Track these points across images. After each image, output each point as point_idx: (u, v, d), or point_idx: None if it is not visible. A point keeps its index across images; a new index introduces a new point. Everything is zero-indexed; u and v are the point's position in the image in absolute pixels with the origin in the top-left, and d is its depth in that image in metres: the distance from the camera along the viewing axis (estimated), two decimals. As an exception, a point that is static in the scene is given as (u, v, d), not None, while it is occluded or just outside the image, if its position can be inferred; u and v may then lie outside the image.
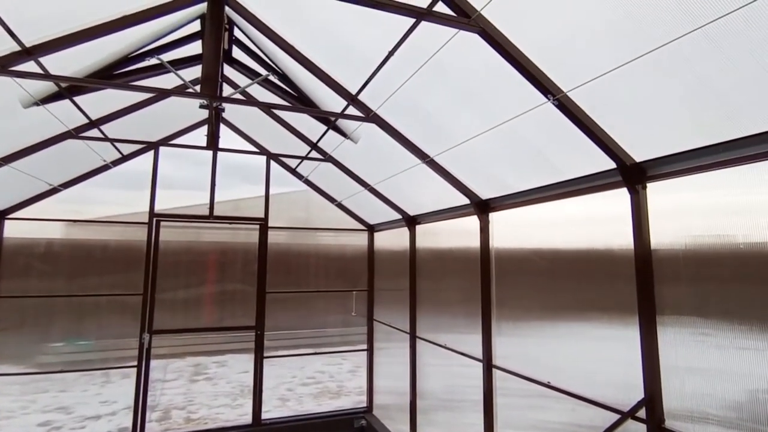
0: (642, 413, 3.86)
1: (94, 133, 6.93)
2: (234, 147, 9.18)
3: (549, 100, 3.78)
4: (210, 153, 8.98)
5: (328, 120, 6.63)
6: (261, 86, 6.45)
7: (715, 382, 3.35)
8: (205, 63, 4.81)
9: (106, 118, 6.88)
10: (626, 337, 4.04)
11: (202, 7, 5.27)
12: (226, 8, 5.24)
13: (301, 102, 6.51)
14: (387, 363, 9.62)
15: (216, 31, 4.79)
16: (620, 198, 4.13)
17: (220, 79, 5.53)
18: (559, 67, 3.56)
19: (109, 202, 8.57)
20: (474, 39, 3.60)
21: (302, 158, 8.30)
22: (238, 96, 6.64)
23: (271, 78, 6.27)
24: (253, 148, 9.53)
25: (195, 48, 6.18)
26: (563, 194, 4.87)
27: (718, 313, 3.37)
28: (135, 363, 8.25)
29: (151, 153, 8.73)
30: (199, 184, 8.93)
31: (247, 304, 9.20)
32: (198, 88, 4.95)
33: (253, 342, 9.15)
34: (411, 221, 8.41)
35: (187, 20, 5.56)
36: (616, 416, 4.06)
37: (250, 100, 7.43)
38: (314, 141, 7.58)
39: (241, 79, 7.24)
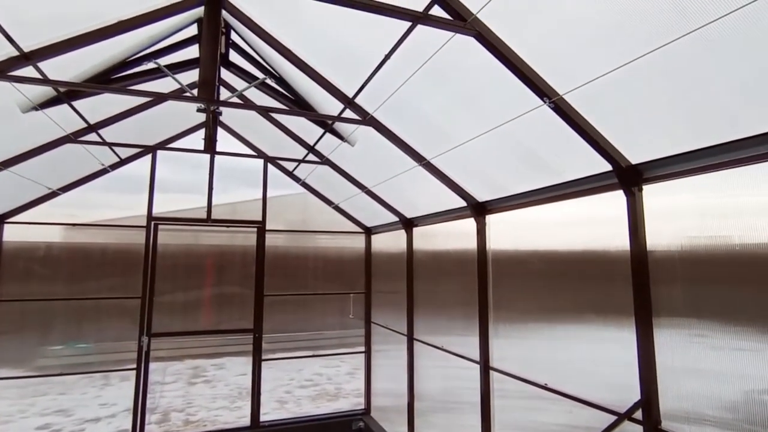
0: (638, 415, 3.87)
1: (92, 137, 6.93)
2: (231, 150, 9.21)
3: (545, 102, 3.79)
4: (207, 156, 8.99)
5: (325, 123, 6.64)
6: (258, 90, 6.47)
7: (711, 383, 3.36)
8: (202, 67, 4.82)
9: (104, 122, 6.88)
10: (623, 339, 4.05)
11: (199, 11, 5.28)
12: (223, 12, 5.24)
13: (298, 105, 6.52)
14: (385, 365, 9.63)
15: (213, 34, 4.80)
16: (616, 200, 4.13)
17: (217, 83, 5.55)
18: (554, 70, 3.58)
19: (108, 206, 8.57)
20: (470, 42, 3.61)
21: (299, 161, 8.31)
22: (236, 99, 6.65)
23: (268, 81, 6.28)
24: (251, 152, 9.54)
25: (192, 52, 6.19)
26: (559, 196, 4.88)
27: (714, 314, 3.38)
28: (134, 366, 8.24)
29: (149, 157, 8.73)
30: (196, 188, 8.94)
31: (245, 307, 9.21)
32: (195, 91, 4.98)
33: (251, 345, 9.15)
34: (408, 224, 8.42)
35: (184, 24, 5.57)
36: (613, 418, 4.07)
37: (247, 104, 7.43)
38: (311, 144, 7.59)
39: (238, 83, 7.25)
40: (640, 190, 3.95)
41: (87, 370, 8.51)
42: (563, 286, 4.99)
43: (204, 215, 8.94)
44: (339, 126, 6.61)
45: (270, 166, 9.60)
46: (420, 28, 3.75)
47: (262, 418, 9.09)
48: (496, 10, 3.31)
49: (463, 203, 6.30)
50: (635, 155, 3.86)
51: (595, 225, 4.54)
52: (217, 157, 9.05)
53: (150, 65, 5.75)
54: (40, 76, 4.68)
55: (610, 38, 3.02)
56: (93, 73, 5.47)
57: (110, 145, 7.09)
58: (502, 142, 4.73)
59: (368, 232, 10.51)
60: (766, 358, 3.03)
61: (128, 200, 8.66)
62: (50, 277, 8.18)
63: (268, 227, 9.45)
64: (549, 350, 5.08)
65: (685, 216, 3.62)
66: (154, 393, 9.83)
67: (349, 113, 5.86)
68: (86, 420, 9.48)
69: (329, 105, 6.08)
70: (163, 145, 8.81)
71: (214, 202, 8.98)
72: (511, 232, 5.78)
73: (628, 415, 3.94)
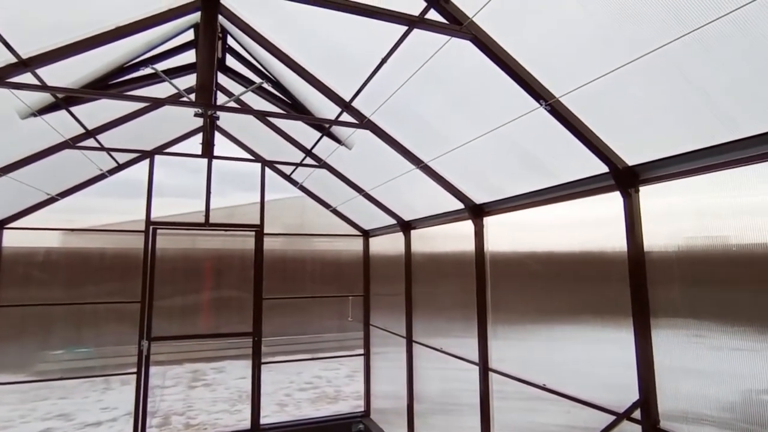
0: (637, 414, 3.88)
1: (90, 142, 6.95)
2: (229, 154, 9.21)
3: (541, 105, 3.81)
4: (205, 161, 8.99)
5: (323, 127, 6.65)
6: (255, 94, 6.48)
7: (709, 383, 3.37)
8: (199, 71, 4.82)
9: (102, 127, 6.89)
10: (621, 339, 4.06)
11: (195, 17, 5.29)
12: (220, 17, 5.24)
13: (295, 109, 6.53)
14: (384, 367, 9.64)
15: (209, 39, 4.80)
16: (613, 201, 4.15)
17: (214, 88, 5.55)
18: (551, 72, 3.59)
19: (106, 211, 8.58)
20: (466, 46, 3.63)
21: (297, 165, 8.33)
22: (233, 104, 6.67)
23: (265, 86, 6.29)
24: (248, 156, 9.54)
25: (189, 57, 6.20)
26: (557, 198, 4.90)
27: (712, 314, 3.39)
28: (134, 370, 8.25)
29: (147, 161, 8.73)
30: (194, 192, 8.94)
31: (244, 310, 9.21)
32: (192, 96, 4.98)
33: (250, 348, 9.15)
34: (406, 226, 8.43)
35: (180, 30, 5.58)
36: (612, 417, 4.08)
37: (244, 108, 7.45)
38: (309, 148, 7.60)
39: (235, 87, 7.25)
40: (637, 191, 3.97)
41: (87, 375, 8.53)
42: (561, 287, 5.00)
43: (202, 219, 8.94)
44: (336, 129, 6.62)
45: (267, 170, 9.60)
46: (416, 32, 3.77)
47: (262, 421, 9.09)
48: (491, 14, 3.33)
49: (460, 205, 6.32)
50: (631, 157, 3.87)
51: (593, 226, 4.56)
52: (214, 161, 9.06)
53: (147, 71, 5.76)
54: (38, 83, 4.70)
55: (606, 41, 3.04)
56: (91, 79, 5.48)
57: (108, 150, 7.10)
58: (499, 145, 4.75)
59: (366, 234, 10.51)
60: (764, 357, 3.04)
61: (126, 205, 8.67)
62: (50, 282, 8.19)
63: (266, 231, 9.45)
64: (547, 351, 5.09)
65: (682, 217, 3.64)
66: (154, 397, 9.84)
67: (346, 117, 5.88)
68: (88, 424, 9.47)
69: (326, 109, 6.09)
70: (160, 149, 8.82)
71: (212, 206, 8.98)
72: (509, 234, 5.80)
73: (626, 415, 3.96)
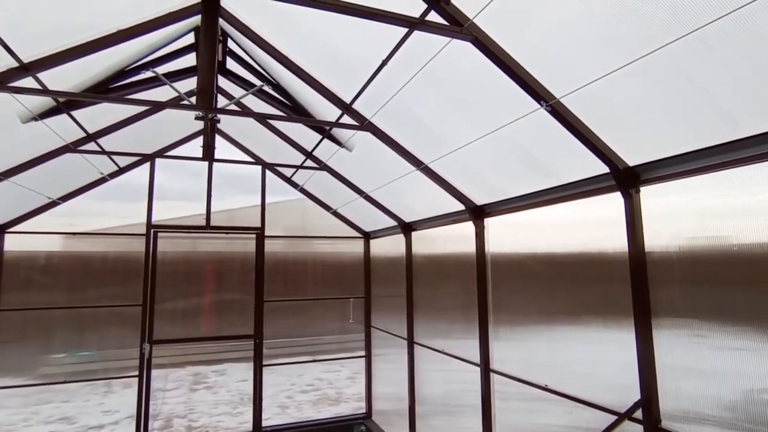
0: (639, 414, 3.88)
1: (91, 146, 6.96)
2: (230, 157, 9.23)
3: (542, 106, 3.81)
4: (206, 164, 9.00)
5: (323, 129, 6.65)
6: (256, 97, 6.49)
7: (711, 382, 3.37)
8: (199, 75, 4.82)
9: (102, 131, 6.91)
10: (622, 339, 4.06)
11: (195, 20, 5.30)
12: (220, 20, 5.26)
13: (296, 112, 6.54)
14: (385, 369, 9.64)
15: (210, 43, 4.80)
16: (614, 202, 4.15)
17: (214, 91, 5.55)
18: (551, 73, 3.60)
19: (107, 215, 8.59)
20: (467, 47, 3.63)
21: (298, 167, 8.34)
22: (233, 107, 6.68)
23: (266, 88, 6.30)
24: (249, 158, 9.55)
25: (189, 60, 6.21)
26: (557, 199, 4.90)
27: (713, 314, 3.39)
28: (136, 373, 8.25)
29: (148, 165, 8.73)
30: (195, 195, 8.95)
31: (245, 313, 9.21)
32: (193, 99, 4.98)
33: (251, 350, 9.14)
34: (407, 228, 8.44)
35: (181, 33, 5.59)
36: (613, 417, 4.08)
37: (245, 111, 7.46)
38: (309, 150, 7.61)
39: (235, 90, 7.26)
40: (638, 191, 3.97)
41: (89, 378, 8.53)
42: (562, 288, 5.00)
43: (203, 222, 8.94)
44: (337, 131, 6.63)
45: (268, 173, 9.61)
46: (417, 34, 3.77)
47: (264, 423, 9.10)
48: (492, 15, 3.33)
49: (461, 207, 6.32)
50: (632, 157, 3.88)
51: (594, 227, 4.56)
52: (215, 164, 9.06)
53: (148, 74, 5.76)
54: (39, 87, 4.71)
55: (606, 41, 3.04)
56: (92, 82, 5.48)
57: (109, 154, 7.11)
58: (499, 146, 4.75)
59: (367, 236, 10.52)
60: (765, 357, 3.04)
61: (127, 208, 8.67)
62: (51, 286, 8.19)
63: (267, 233, 9.45)
64: (549, 352, 5.09)
65: (683, 217, 3.64)
66: (156, 400, 9.83)
67: (346, 119, 5.88)
68: (90, 427, 9.48)
69: (327, 111, 6.10)
70: (161, 153, 8.82)
71: (213, 208, 8.98)
72: (510, 235, 5.80)
73: (628, 415, 3.96)
